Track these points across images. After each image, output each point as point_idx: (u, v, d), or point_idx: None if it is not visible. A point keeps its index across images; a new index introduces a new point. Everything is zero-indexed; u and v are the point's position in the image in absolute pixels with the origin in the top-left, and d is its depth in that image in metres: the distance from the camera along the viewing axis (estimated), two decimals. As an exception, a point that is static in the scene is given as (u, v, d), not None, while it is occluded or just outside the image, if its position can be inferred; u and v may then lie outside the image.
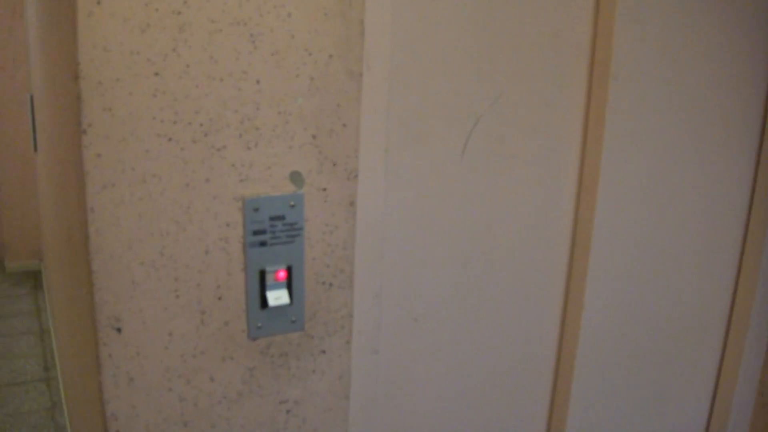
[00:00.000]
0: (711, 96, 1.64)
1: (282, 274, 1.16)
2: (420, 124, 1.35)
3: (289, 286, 1.18)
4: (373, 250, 1.30)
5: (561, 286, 1.61)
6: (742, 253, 1.83)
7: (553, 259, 1.58)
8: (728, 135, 1.69)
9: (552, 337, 1.65)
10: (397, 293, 1.44)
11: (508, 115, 1.43)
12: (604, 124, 1.52)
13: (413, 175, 1.38)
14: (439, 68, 1.35)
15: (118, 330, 1.09)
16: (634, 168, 1.57)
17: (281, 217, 1.14)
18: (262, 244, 1.14)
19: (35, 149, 3.46)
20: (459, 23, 1.34)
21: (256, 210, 1.12)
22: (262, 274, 1.15)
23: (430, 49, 1.33)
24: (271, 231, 1.14)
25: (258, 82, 1.08)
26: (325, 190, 1.17)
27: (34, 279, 5.18)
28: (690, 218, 1.70)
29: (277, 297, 1.16)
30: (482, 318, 1.54)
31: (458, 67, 1.36)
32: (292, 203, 1.14)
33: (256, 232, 1.13)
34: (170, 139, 1.05)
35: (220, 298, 1.14)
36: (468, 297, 1.51)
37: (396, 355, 1.48)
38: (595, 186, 1.55)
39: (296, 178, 1.14)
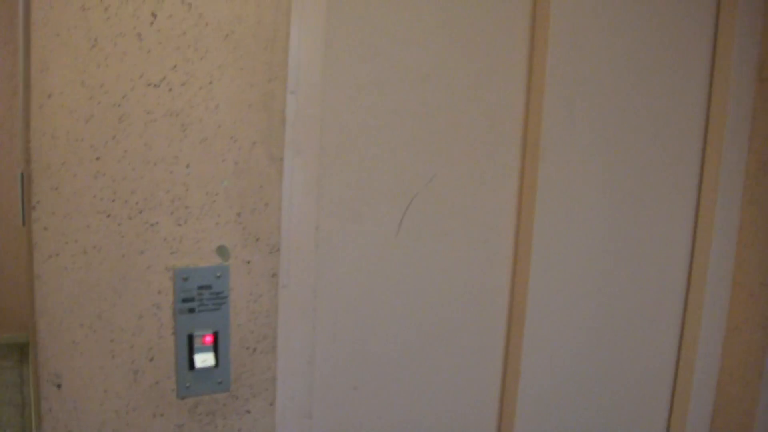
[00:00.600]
0: (641, 170, 1.78)
1: (209, 338, 1.28)
2: (355, 202, 1.49)
3: (216, 350, 1.30)
4: (305, 320, 1.42)
5: (499, 355, 1.73)
6: (683, 322, 1.95)
7: (491, 329, 1.71)
8: (661, 206, 1.82)
9: (492, 405, 1.76)
10: (336, 362, 1.55)
11: (443, 194, 1.57)
12: (536, 201, 1.66)
13: (349, 251, 1.51)
14: (376, 149, 1.49)
15: (58, 386, 1.21)
16: (567, 241, 1.71)
17: (208, 287, 1.27)
18: (191, 310, 1.26)
19: (23, 223, 3.60)
20: (395, 106, 1.49)
21: (185, 280, 1.25)
22: (191, 338, 1.27)
23: (366, 129, 1.48)
24: (199, 299, 1.26)
25: (188, 166, 1.22)
26: (248, 262, 1.30)
27: (20, 351, 5.26)
28: (627, 284, 1.83)
29: (204, 360, 1.28)
30: (422, 387, 1.65)
31: (395, 148, 1.51)
32: (218, 274, 1.27)
33: (185, 300, 1.26)
34: (109, 216, 1.19)
35: (151, 359, 1.26)
36: (407, 367, 1.63)
37: (335, 422, 1.59)
38: (528, 259, 1.68)
39: (222, 251, 1.27)
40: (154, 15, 1.15)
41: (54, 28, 1.10)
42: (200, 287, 1.26)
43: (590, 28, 1.66)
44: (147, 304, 1.24)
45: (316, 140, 1.36)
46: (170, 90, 1.18)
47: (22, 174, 3.69)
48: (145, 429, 1.28)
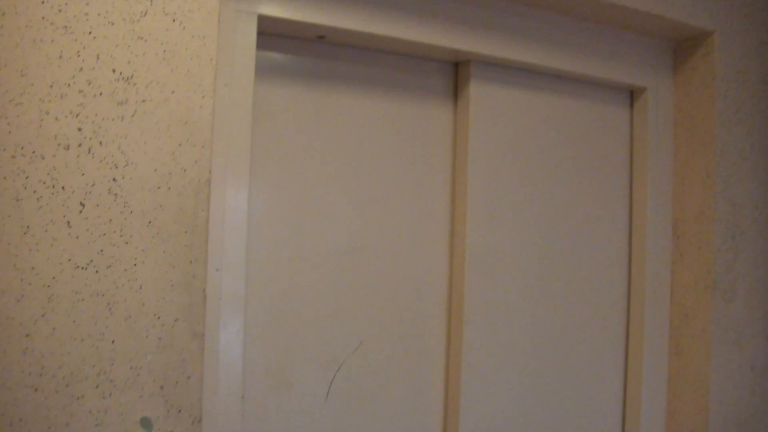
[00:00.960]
0: (567, 333, 1.86)
1: (132, 508, 1.33)
2: (283, 371, 1.58)
3: None
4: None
5: None
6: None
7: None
8: (590, 368, 1.88)
9: None
10: None
11: (371, 360, 1.66)
12: (461, 364, 1.75)
13: (276, 419, 1.57)
14: (303, 318, 1.60)
15: None
16: (495, 402, 1.76)
17: (132, 457, 1.33)
18: (115, 480, 1.32)
19: None
20: (321, 278, 1.61)
21: (109, 450, 1.31)
22: None
23: (292, 301, 1.59)
24: (123, 469, 1.32)
25: (113, 341, 1.32)
26: (172, 433, 1.37)
27: None
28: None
29: None
30: None
31: (321, 317, 1.62)
32: (142, 445, 1.34)
33: (108, 470, 1.32)
34: (36, 390, 1.27)
35: None
36: None
37: None
38: (456, 420, 1.73)
39: (146, 423, 1.34)
40: (82, 204, 1.29)
41: (-12, 219, 1.24)
42: (124, 458, 1.32)
43: (505, 208, 1.81)
44: (71, 475, 1.29)
45: (240, 314, 1.47)
46: (97, 272, 1.30)
47: None
48: None
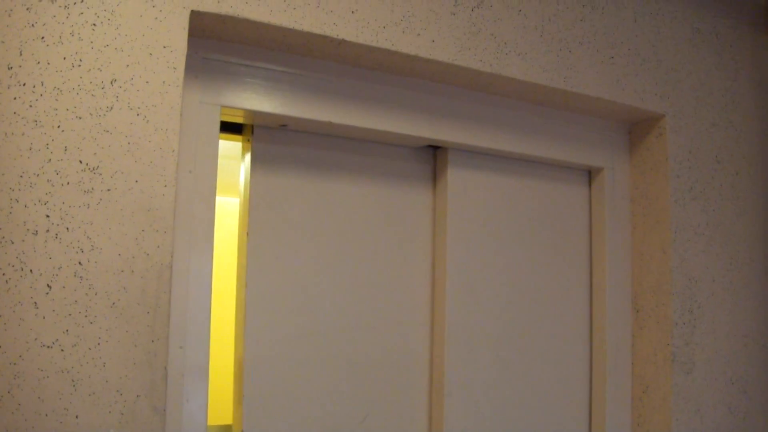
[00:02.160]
0: (533, 406, 1.89)
1: None
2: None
3: None
4: None
5: None
6: None
7: None
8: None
9: None
10: None
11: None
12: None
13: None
14: (307, 395, 1.67)
15: None
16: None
17: None
18: None
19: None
20: (321, 355, 1.68)
21: None
22: None
23: (294, 378, 1.66)
24: None
25: (77, 416, 1.36)
26: (133, 504, 1.40)
27: None
28: None
29: None
30: None
31: (325, 393, 1.69)
32: None
33: None
34: (2, 464, 1.32)
35: None
36: None
37: None
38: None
39: (107, 494, 1.38)
40: (49, 286, 1.35)
41: (-42, 301, 1.30)
42: None
43: (482, 276, 1.87)
44: None
45: (204, 388, 1.52)
46: (62, 350, 1.36)
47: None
48: None
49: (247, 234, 1.68)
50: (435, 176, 1.99)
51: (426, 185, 1.98)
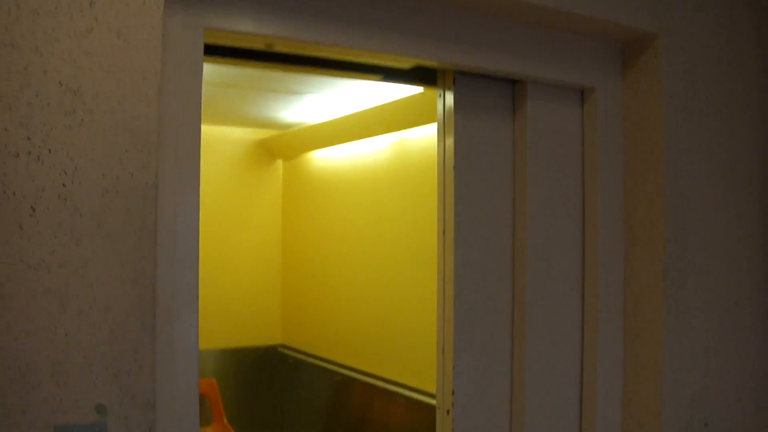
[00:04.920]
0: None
1: (88, 489, 1.32)
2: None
3: (95, 500, 1.32)
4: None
5: None
6: None
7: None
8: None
9: None
10: None
11: None
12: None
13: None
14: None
15: None
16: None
17: (88, 441, 1.32)
18: (72, 464, 1.31)
19: None
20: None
21: (66, 435, 1.30)
22: (71, 490, 1.31)
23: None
24: (79, 453, 1.31)
25: (66, 334, 1.31)
26: (126, 418, 1.35)
27: None
28: None
29: None
30: None
31: None
32: (97, 430, 1.32)
33: (66, 453, 1.30)
34: (-7, 379, 1.27)
35: None
36: None
37: None
38: None
39: (100, 409, 1.33)
40: (33, 209, 1.28)
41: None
42: (81, 441, 1.31)
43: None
44: (30, 459, 1.28)
45: (194, 307, 1.45)
46: (49, 271, 1.29)
47: None
48: None
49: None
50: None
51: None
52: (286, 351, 4.24)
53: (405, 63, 1.82)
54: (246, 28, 1.54)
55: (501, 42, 1.87)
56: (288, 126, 4.12)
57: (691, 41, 2.08)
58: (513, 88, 2.01)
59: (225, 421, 3.93)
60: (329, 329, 3.85)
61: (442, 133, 1.91)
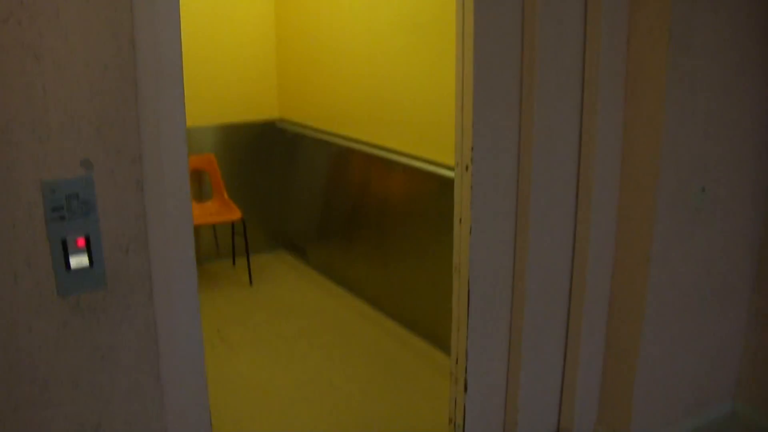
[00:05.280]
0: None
1: (81, 242, 1.32)
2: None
3: (89, 252, 1.33)
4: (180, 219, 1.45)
5: None
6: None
7: None
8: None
9: None
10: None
11: None
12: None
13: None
14: None
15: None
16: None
17: (76, 196, 1.31)
18: (62, 218, 1.31)
19: None
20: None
21: (53, 191, 1.29)
22: (64, 243, 1.31)
23: None
24: (68, 207, 1.30)
25: (44, 89, 1.25)
26: (112, 171, 1.33)
27: None
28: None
29: (79, 261, 1.33)
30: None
31: None
32: (84, 184, 1.31)
33: (54, 209, 1.30)
34: (-29, 138, 1.23)
35: (29, 264, 1.30)
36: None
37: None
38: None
39: (86, 163, 1.31)
40: (-4, -46, 1.18)
41: None
42: (68, 196, 1.30)
43: None
44: (20, 215, 1.28)
45: (178, 80, 1.39)
46: (20, 24, 1.22)
47: None
48: (30, 327, 1.32)
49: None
50: None
51: None
52: (284, 125, 4.21)
53: None
54: None
55: None
56: None
57: None
58: None
59: (225, 195, 3.98)
60: (327, 102, 3.79)
61: None
